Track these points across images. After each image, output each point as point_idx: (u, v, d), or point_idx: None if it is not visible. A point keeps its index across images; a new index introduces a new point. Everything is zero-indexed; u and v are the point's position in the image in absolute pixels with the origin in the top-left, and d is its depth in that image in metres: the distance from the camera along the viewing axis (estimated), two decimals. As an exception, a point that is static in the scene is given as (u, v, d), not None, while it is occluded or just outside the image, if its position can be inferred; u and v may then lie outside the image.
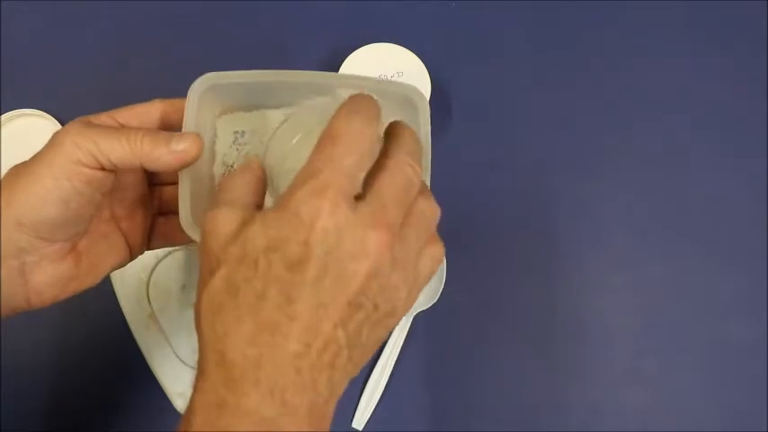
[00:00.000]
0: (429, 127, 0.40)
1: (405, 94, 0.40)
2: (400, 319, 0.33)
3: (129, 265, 0.59)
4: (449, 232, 0.62)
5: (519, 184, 0.64)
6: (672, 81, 0.67)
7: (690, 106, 0.66)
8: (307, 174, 0.31)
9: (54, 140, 0.37)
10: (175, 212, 0.40)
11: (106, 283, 0.60)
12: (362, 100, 0.33)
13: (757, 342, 0.61)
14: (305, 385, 0.30)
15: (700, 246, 0.63)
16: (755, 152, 0.66)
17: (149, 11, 0.69)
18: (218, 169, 0.45)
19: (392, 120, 0.37)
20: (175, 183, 0.40)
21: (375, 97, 0.34)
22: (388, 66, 0.62)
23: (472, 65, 0.67)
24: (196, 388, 0.31)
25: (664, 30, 0.68)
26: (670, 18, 0.68)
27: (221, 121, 0.45)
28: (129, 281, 0.59)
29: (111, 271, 0.43)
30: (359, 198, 0.31)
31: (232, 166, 0.46)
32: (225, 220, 0.32)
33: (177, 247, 0.59)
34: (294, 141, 0.40)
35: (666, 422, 0.60)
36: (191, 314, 0.61)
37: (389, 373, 0.59)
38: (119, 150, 0.37)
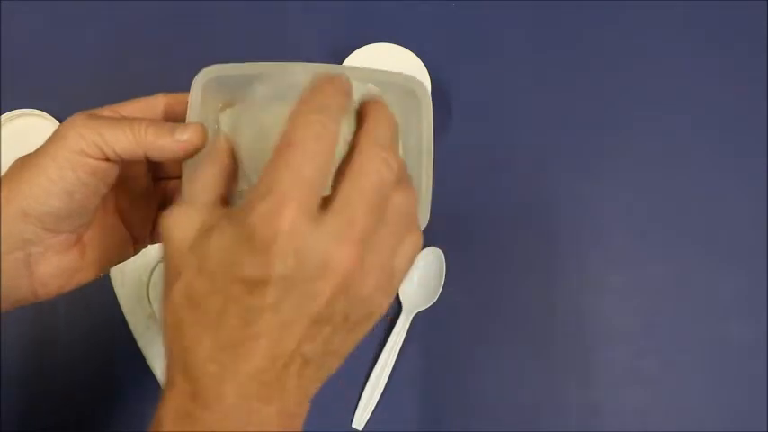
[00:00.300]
0: (431, 118, 0.38)
1: (406, 86, 0.39)
2: (378, 319, 0.32)
3: (129, 265, 0.59)
4: (449, 232, 0.63)
5: (519, 184, 0.64)
6: (672, 81, 0.67)
7: (690, 106, 0.66)
8: (264, 187, 0.28)
9: (58, 133, 0.37)
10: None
11: (107, 283, 0.60)
12: (323, 91, 0.31)
13: (757, 342, 0.61)
14: (271, 396, 0.30)
15: (700, 246, 0.63)
16: (755, 152, 0.65)
17: (149, 11, 0.69)
18: None
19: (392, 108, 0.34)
20: (179, 177, 0.40)
21: (345, 78, 0.32)
22: (388, 66, 0.62)
23: (472, 65, 0.67)
24: (165, 395, 0.31)
25: (664, 30, 0.68)
26: (670, 18, 0.68)
27: (224, 114, 0.45)
28: (130, 281, 0.59)
29: (117, 263, 0.43)
30: (327, 201, 0.29)
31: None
32: (183, 223, 0.31)
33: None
34: (265, 120, 0.39)
35: (666, 422, 0.60)
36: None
37: (389, 373, 0.59)
38: (123, 141, 0.36)
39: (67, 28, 0.69)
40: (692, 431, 0.60)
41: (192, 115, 0.40)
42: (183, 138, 0.38)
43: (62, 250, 0.39)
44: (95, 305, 0.61)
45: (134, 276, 0.59)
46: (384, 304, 0.32)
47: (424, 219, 0.40)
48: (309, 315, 0.29)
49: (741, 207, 0.64)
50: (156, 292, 0.59)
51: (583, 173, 0.65)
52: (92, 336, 0.61)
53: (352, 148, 0.31)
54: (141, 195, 0.43)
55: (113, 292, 0.59)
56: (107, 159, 0.37)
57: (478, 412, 0.60)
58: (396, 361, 0.60)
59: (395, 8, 0.68)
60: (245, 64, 0.42)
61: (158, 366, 0.58)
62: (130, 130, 0.37)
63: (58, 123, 0.62)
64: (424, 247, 0.61)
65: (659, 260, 0.63)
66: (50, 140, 0.37)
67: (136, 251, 0.44)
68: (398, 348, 0.60)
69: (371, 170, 0.30)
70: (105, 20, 0.68)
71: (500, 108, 0.66)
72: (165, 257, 0.32)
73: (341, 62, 0.62)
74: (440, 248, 0.61)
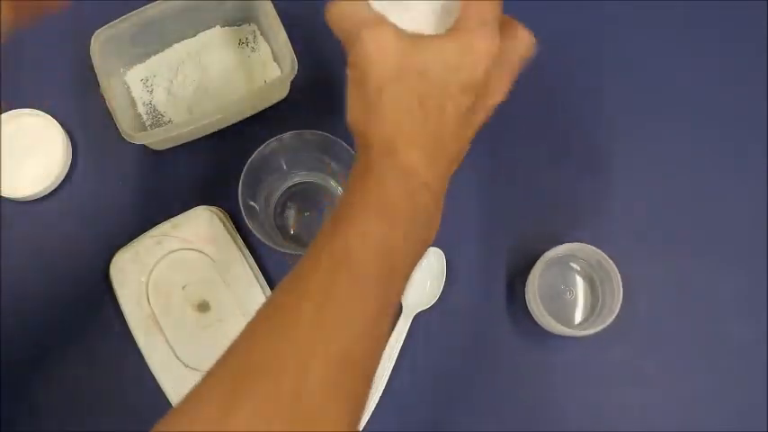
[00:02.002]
0: None
1: None
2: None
3: (128, 266, 0.59)
4: (450, 233, 0.62)
5: (518, 183, 0.64)
6: (672, 81, 0.67)
7: (690, 106, 0.66)
8: (475, 15, 0.39)
9: None
10: None
11: (107, 283, 0.59)
12: None
13: (757, 342, 0.61)
14: (443, 160, 0.41)
15: (700, 246, 0.63)
16: (755, 152, 0.65)
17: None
18: (141, 109, 0.63)
19: None
20: None
21: None
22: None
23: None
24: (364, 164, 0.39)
25: (664, 30, 0.68)
26: (670, 18, 0.68)
27: (128, 75, 0.63)
28: (130, 281, 0.59)
29: (42, 15, 0.48)
30: None
31: (150, 103, 0.63)
32: (387, 37, 0.39)
33: (176, 249, 0.59)
34: None
35: (666, 422, 0.60)
36: (191, 314, 0.61)
37: (389, 374, 0.59)
38: None
39: (68, 27, 0.68)
40: (691, 431, 0.60)
41: (100, 79, 0.57)
42: None
43: None
44: (95, 305, 0.60)
45: (134, 277, 0.59)
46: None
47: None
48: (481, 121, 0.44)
49: (741, 207, 0.64)
50: (155, 292, 0.59)
51: (582, 173, 0.65)
52: (91, 337, 0.61)
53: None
54: None
55: (113, 292, 0.59)
56: None
57: (479, 412, 0.60)
58: (396, 361, 0.59)
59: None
60: (125, 17, 0.58)
61: (158, 368, 0.58)
62: None
63: (57, 123, 0.62)
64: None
65: (659, 260, 0.63)
66: None
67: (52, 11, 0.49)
68: (399, 348, 0.60)
69: (526, 41, 0.43)
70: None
71: (500, 109, 0.66)
72: (373, 63, 0.39)
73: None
74: (440, 249, 0.61)
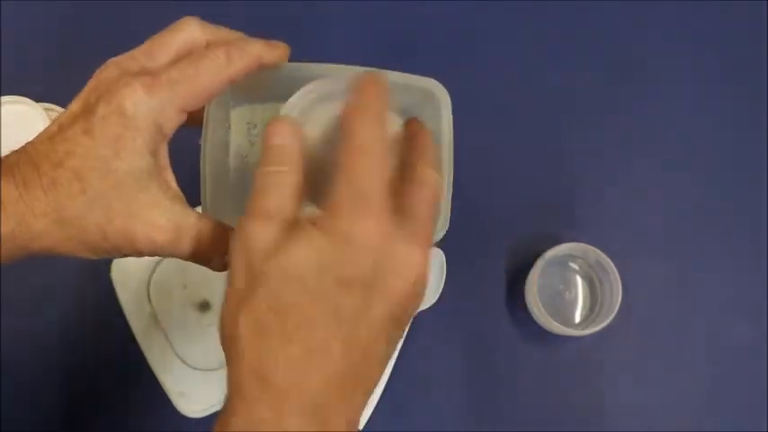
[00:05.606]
0: (451, 121, 0.39)
1: (425, 88, 0.39)
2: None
3: (130, 265, 0.59)
4: (450, 232, 0.62)
5: (518, 183, 0.64)
6: (672, 80, 0.67)
7: (690, 106, 0.66)
8: (349, 192, 0.31)
9: None
10: None
11: (107, 283, 0.60)
12: (370, 90, 0.33)
13: (757, 342, 0.61)
14: (346, 404, 0.31)
15: (699, 246, 0.63)
16: (755, 152, 0.66)
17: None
18: (233, 160, 0.47)
19: (412, 115, 0.37)
20: None
21: (383, 76, 0.34)
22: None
23: (471, 64, 0.67)
24: (233, 409, 0.30)
25: (664, 29, 0.68)
26: (670, 18, 0.68)
27: (235, 112, 0.47)
28: (130, 281, 0.59)
29: None
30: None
31: (246, 156, 0.47)
32: (262, 234, 0.31)
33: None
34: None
35: (666, 422, 0.60)
36: (192, 314, 0.61)
37: (389, 373, 0.59)
38: None
39: (69, 26, 0.68)
40: (691, 431, 0.60)
41: (207, 113, 0.42)
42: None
43: None
44: (95, 305, 0.61)
45: (135, 277, 0.59)
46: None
47: (445, 222, 0.41)
48: (389, 311, 0.31)
49: (741, 207, 0.64)
50: (156, 291, 0.59)
51: (583, 173, 0.65)
52: (92, 336, 0.61)
53: (407, 162, 0.34)
54: None
55: (113, 292, 0.59)
56: None
57: (478, 412, 0.60)
58: (396, 361, 0.59)
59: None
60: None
61: (159, 367, 0.58)
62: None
63: (43, 110, 0.61)
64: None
65: (659, 260, 0.63)
66: None
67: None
68: (399, 348, 0.60)
69: (431, 187, 0.34)
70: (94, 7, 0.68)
71: (500, 108, 0.66)
72: (237, 267, 0.32)
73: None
74: (440, 249, 0.61)
